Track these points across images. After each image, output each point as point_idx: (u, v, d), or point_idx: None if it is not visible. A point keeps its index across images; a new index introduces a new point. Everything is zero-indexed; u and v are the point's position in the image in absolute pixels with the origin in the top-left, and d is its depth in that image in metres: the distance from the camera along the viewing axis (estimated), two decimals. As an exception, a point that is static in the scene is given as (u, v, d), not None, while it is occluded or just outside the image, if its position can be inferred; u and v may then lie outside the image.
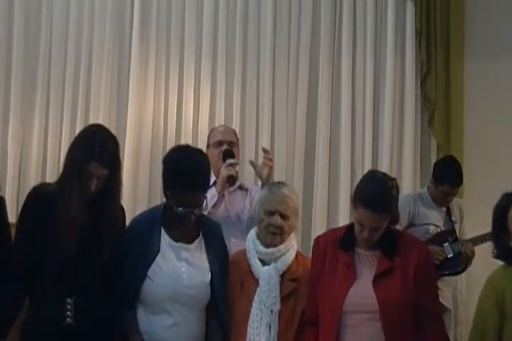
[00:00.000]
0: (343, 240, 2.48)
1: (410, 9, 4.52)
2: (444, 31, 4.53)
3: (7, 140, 4.35)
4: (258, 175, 3.14)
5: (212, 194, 3.01)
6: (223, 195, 3.11)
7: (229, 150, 3.20)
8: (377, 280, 2.39)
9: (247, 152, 4.35)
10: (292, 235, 2.73)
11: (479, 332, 2.50)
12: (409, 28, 4.52)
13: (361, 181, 2.51)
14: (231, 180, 3.12)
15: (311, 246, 2.62)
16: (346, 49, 4.50)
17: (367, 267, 2.43)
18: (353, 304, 2.38)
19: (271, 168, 3.11)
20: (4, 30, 4.39)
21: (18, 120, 4.37)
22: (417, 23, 4.50)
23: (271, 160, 3.15)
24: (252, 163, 3.18)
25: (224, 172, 3.09)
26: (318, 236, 2.62)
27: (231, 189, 3.21)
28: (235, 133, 3.41)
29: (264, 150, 3.19)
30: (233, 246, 2.85)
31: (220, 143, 3.24)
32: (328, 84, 4.48)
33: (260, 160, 4.32)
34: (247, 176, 4.17)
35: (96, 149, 2.41)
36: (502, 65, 4.53)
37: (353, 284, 2.40)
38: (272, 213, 2.66)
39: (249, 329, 2.54)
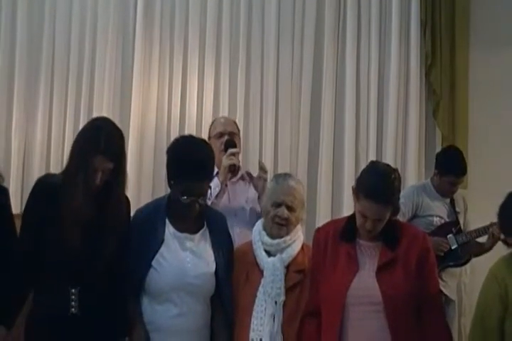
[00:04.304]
0: (344, 231, 2.47)
1: (415, -1, 4.51)
2: (449, 21, 4.50)
3: (11, 133, 4.36)
4: (254, 187, 3.15)
5: (214, 184, 3.01)
6: (226, 185, 3.11)
7: (230, 140, 3.20)
8: (380, 272, 2.38)
9: (251, 144, 4.36)
10: (298, 226, 2.72)
11: (481, 325, 2.47)
12: (414, 18, 4.49)
13: (363, 172, 2.49)
14: (233, 169, 3.12)
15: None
16: (351, 39, 4.48)
17: (369, 258, 2.42)
18: (356, 296, 2.37)
19: (265, 180, 3.10)
20: (7, 23, 4.40)
21: (21, 113, 4.38)
22: (422, 13, 4.47)
23: (266, 172, 3.15)
24: (248, 174, 3.21)
25: (226, 161, 3.10)
26: (319, 228, 2.61)
27: (233, 179, 3.22)
28: (236, 124, 3.43)
29: (260, 166, 3.19)
30: (237, 235, 2.85)
31: (221, 135, 3.25)
32: (333, 75, 4.47)
33: (264, 151, 4.38)
34: (251, 167, 4.17)
35: (101, 143, 2.41)
36: (507, 55, 4.50)
37: (356, 276, 2.39)
38: (278, 205, 2.66)
39: (253, 319, 2.54)
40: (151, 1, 4.45)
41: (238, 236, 2.88)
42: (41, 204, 2.44)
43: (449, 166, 3.84)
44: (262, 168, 3.16)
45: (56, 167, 4.16)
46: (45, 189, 2.48)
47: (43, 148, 4.38)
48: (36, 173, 4.17)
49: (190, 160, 2.50)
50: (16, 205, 2.93)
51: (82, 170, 2.41)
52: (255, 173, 3.16)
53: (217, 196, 3.04)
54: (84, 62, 4.43)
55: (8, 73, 4.39)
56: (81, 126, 2.70)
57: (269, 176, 3.10)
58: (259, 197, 3.08)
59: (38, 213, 2.44)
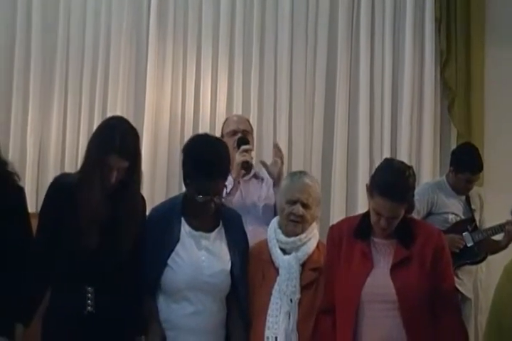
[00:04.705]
0: (358, 229, 2.46)
1: (430, -4, 4.48)
2: (465, 17, 4.46)
3: (26, 131, 4.38)
4: (269, 174, 3.14)
5: (228, 181, 3.01)
6: (238, 182, 3.11)
7: (243, 137, 3.21)
8: (394, 270, 2.37)
9: (265, 142, 4.34)
10: (314, 224, 2.72)
11: (496, 323, 2.44)
12: (428, 15, 4.46)
13: (378, 170, 2.49)
14: (246, 165, 3.12)
15: (328, 235, 2.60)
16: (364, 37, 4.46)
17: (383, 256, 2.41)
18: (370, 294, 2.36)
19: (282, 163, 3.09)
20: (23, 23, 4.42)
21: (36, 111, 4.39)
22: (437, 10, 4.44)
23: (282, 154, 3.14)
24: (262, 163, 3.19)
25: (239, 158, 3.11)
26: (333, 225, 2.61)
27: (246, 178, 3.22)
28: (249, 122, 3.44)
29: (275, 146, 3.18)
30: (250, 233, 2.84)
31: (234, 133, 3.26)
32: (347, 72, 4.45)
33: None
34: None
35: (116, 142, 2.42)
36: (523, 51, 4.46)
37: (370, 273, 2.38)
38: (293, 202, 2.65)
39: (268, 317, 2.54)
40: (164, 1, 4.46)
41: (251, 233, 2.87)
42: (57, 205, 2.46)
43: (465, 163, 3.82)
44: (277, 148, 3.14)
45: (71, 166, 4.18)
46: (61, 189, 2.49)
47: (58, 147, 4.39)
48: (51, 172, 4.19)
49: (205, 159, 2.50)
50: (32, 204, 2.94)
51: (98, 169, 2.42)
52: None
53: (229, 193, 3.04)
54: (98, 61, 4.44)
55: (23, 73, 4.41)
56: (95, 126, 2.71)
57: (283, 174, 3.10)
58: (274, 185, 3.07)
59: (55, 213, 2.46)
